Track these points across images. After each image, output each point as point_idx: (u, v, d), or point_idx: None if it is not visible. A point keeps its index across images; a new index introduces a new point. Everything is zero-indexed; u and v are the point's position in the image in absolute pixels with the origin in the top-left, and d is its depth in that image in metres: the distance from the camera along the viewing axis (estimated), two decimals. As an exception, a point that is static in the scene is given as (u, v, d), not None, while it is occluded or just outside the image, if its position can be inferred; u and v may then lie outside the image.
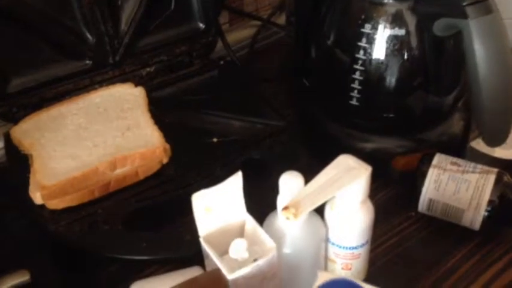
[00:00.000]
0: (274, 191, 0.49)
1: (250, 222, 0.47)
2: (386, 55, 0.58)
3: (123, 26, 0.68)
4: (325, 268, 0.51)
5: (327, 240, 0.49)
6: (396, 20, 0.57)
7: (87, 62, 0.67)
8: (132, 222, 0.54)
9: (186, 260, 0.52)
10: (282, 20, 0.89)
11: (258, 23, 0.91)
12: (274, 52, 0.88)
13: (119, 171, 0.57)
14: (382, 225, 0.58)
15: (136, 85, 0.66)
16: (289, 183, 0.44)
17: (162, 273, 0.54)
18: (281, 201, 0.45)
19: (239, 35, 0.90)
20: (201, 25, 0.74)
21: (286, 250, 0.47)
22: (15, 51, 0.63)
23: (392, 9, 0.58)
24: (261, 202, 0.48)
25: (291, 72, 0.79)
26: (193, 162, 0.60)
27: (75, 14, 0.64)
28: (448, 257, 0.55)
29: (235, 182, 0.45)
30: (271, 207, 0.49)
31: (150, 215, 0.56)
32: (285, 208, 0.42)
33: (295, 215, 0.42)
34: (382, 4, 0.58)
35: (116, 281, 0.54)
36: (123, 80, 0.67)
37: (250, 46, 0.88)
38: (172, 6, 0.71)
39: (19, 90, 0.64)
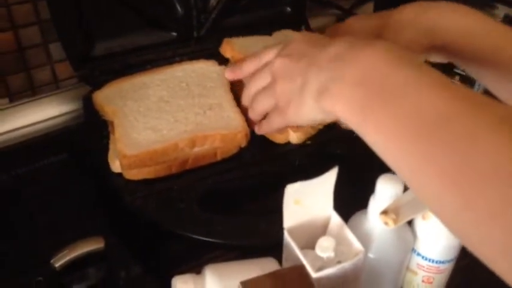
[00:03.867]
0: (354, 190, 0.48)
1: (337, 221, 0.45)
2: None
3: (212, 1, 0.66)
4: (404, 278, 0.49)
5: (412, 250, 0.47)
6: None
7: (172, 33, 0.66)
8: (207, 203, 0.53)
9: (257, 249, 0.51)
10: (367, 9, 0.86)
11: (338, 11, 0.88)
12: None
13: (198, 149, 0.55)
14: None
15: (219, 63, 0.64)
16: (388, 186, 0.42)
17: (228, 258, 0.53)
18: (376, 204, 0.43)
19: (317, 23, 0.87)
20: (288, 9, 0.72)
21: (371, 254, 0.45)
22: (104, 15, 0.62)
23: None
24: (338, 200, 0.47)
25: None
26: (271, 150, 0.58)
27: (169, -16, 0.63)
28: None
29: (329, 178, 0.44)
30: (349, 206, 0.48)
31: (225, 198, 0.55)
32: (384, 212, 0.40)
33: (395, 221, 0.40)
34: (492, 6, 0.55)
35: (181, 259, 0.53)
36: (205, 56, 0.66)
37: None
38: (263, -13, 0.69)
39: (103, 54, 0.63)
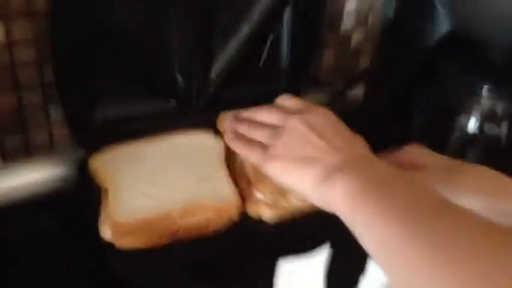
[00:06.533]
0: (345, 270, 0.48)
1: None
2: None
3: (213, 75, 0.69)
4: None
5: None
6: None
7: (172, 103, 0.68)
8: (198, 275, 0.52)
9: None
10: (358, 91, 0.89)
11: (331, 91, 0.91)
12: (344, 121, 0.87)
13: (189, 220, 0.55)
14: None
15: (215, 135, 0.65)
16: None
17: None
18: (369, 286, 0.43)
19: (310, 99, 0.90)
20: (284, 86, 0.74)
21: None
22: (106, 80, 0.64)
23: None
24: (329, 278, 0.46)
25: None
26: (262, 227, 0.58)
27: (173, 55, 0.65)
28: None
29: (320, 256, 0.44)
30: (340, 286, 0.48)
31: (215, 271, 0.54)
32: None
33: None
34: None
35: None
36: (202, 127, 0.67)
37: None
38: (261, 64, 0.72)
39: (102, 120, 0.64)
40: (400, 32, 0.64)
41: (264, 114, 0.49)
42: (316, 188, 0.40)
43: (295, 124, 0.44)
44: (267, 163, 0.45)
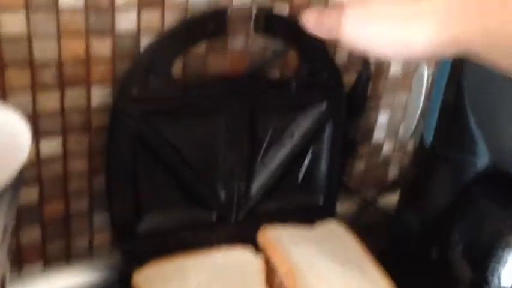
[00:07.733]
0: None
1: None
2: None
3: (254, 189, 0.70)
4: None
5: None
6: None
7: (212, 215, 0.69)
8: None
9: None
10: (390, 200, 0.90)
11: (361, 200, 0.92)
12: (374, 230, 0.87)
13: None
14: None
15: (256, 250, 0.66)
16: None
17: None
18: None
19: (341, 208, 0.91)
20: (321, 200, 0.76)
21: None
22: (153, 190, 0.65)
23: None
24: None
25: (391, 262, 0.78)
26: None
27: (217, 170, 0.67)
28: None
29: None
30: None
31: None
32: None
33: None
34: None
35: None
36: (242, 240, 0.68)
37: (352, 221, 0.88)
38: (299, 180, 0.74)
39: (147, 231, 0.65)
40: (437, 158, 0.66)
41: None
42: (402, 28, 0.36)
43: None
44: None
